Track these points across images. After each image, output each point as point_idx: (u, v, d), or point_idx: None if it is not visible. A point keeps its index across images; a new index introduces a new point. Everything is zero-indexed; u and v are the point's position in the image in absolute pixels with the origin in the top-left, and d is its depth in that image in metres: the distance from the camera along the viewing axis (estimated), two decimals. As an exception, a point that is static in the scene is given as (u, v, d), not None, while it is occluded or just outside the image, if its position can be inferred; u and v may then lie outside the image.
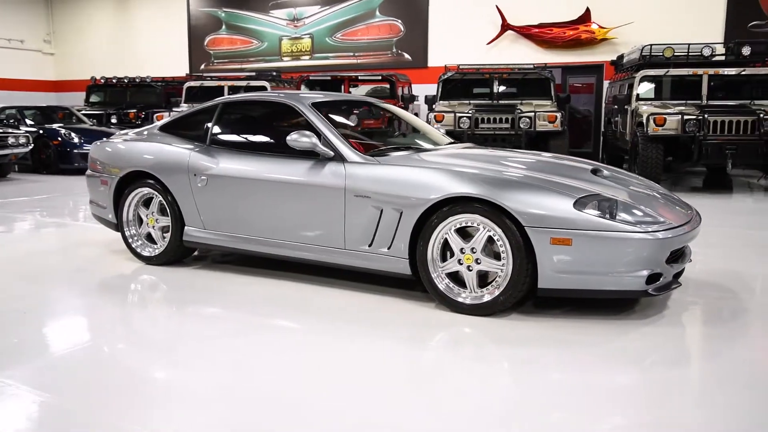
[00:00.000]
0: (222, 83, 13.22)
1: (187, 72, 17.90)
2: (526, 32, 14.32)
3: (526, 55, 14.23)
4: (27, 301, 4.08)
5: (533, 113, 10.24)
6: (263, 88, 13.04)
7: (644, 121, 9.02)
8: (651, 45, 9.94)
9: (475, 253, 3.69)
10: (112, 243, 5.64)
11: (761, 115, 8.55)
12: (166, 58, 18.55)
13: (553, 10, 13.97)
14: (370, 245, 4.02)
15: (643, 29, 13.03)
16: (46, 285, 4.47)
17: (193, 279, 4.58)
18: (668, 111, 9.02)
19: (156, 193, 4.84)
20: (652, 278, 3.52)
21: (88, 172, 5.34)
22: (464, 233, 3.76)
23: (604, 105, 13.26)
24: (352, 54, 16.30)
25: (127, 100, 15.33)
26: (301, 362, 3.10)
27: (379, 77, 12.56)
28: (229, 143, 4.69)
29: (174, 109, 12.63)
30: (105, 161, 5.13)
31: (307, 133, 4.13)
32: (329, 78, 12.80)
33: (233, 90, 13.06)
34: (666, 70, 9.84)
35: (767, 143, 8.50)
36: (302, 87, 12.92)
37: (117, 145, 5.14)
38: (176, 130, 5.01)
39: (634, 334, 3.46)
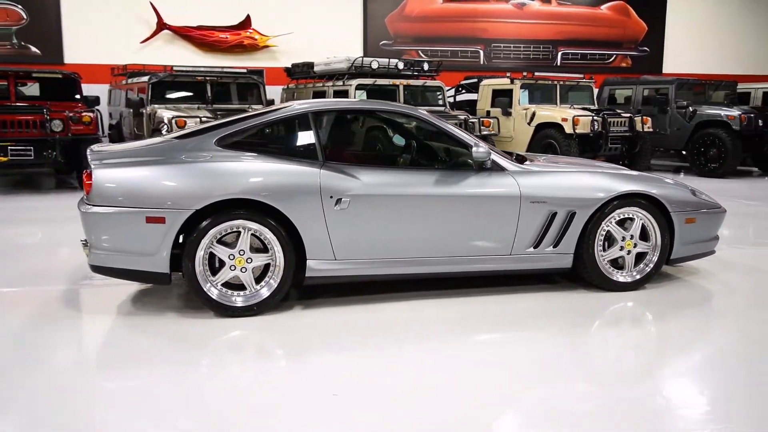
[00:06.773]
0: None
1: None
2: (185, 33, 13.87)
3: (185, 57, 13.83)
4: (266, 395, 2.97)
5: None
6: None
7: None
8: (362, 57, 11.27)
9: (633, 239, 4.45)
10: (113, 297, 4.04)
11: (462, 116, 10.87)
12: None
13: (214, 14, 13.92)
14: (536, 246, 4.30)
15: (300, 40, 14.25)
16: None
17: (334, 319, 3.91)
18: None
19: (256, 224, 3.82)
20: (711, 241, 4.95)
21: (98, 209, 3.72)
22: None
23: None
24: (-52, 42, 12.74)
25: None
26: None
27: (59, 74, 10.45)
28: (358, 159, 4.11)
29: None
30: (152, 191, 3.71)
31: (481, 144, 4.12)
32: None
33: None
34: (374, 80, 11.34)
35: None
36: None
37: (169, 169, 3.77)
38: (248, 145, 4.02)
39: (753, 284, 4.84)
